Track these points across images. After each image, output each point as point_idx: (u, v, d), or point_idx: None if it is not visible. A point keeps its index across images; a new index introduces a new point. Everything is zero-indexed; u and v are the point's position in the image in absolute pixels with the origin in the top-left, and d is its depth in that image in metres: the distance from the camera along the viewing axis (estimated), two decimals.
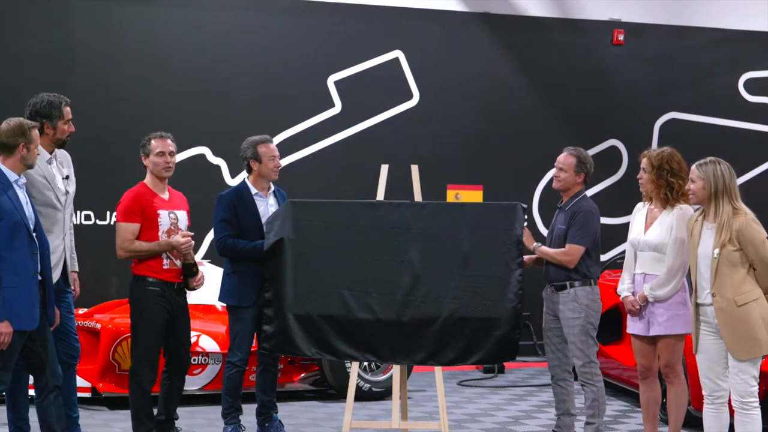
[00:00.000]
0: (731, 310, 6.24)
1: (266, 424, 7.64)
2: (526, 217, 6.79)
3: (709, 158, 6.46)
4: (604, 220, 7.56)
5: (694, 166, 6.48)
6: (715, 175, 6.36)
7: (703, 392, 6.49)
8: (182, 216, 7.24)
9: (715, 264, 6.28)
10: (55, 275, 6.68)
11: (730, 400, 6.42)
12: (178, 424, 7.41)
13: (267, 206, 7.53)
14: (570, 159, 7.39)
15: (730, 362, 6.30)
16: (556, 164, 7.47)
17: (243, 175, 7.87)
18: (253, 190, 7.53)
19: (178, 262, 7.14)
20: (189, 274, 7.18)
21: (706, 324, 6.40)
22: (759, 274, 6.26)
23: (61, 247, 6.82)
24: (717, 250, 6.27)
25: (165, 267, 7.09)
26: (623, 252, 11.14)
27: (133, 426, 7.16)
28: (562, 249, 7.31)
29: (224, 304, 7.82)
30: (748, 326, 6.20)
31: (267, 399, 7.65)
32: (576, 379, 7.45)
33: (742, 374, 6.25)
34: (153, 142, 7.18)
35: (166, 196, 7.19)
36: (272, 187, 7.66)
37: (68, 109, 6.93)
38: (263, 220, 7.36)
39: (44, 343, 6.24)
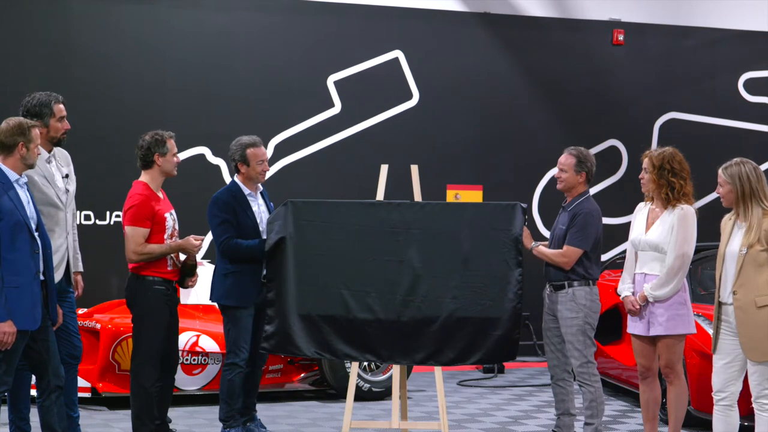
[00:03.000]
0: (750, 310, 6.19)
1: (248, 424, 7.63)
2: (526, 217, 6.79)
3: (734, 159, 6.38)
4: (603, 220, 7.55)
5: (720, 170, 6.41)
6: (740, 178, 6.30)
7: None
8: (175, 216, 7.25)
9: (740, 262, 6.24)
10: (58, 275, 6.67)
11: (740, 401, 6.38)
12: (177, 424, 7.40)
13: (258, 206, 7.54)
14: (570, 159, 7.40)
15: (748, 362, 6.27)
16: (557, 165, 7.48)
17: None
18: (246, 191, 7.52)
19: (178, 263, 7.14)
20: (189, 274, 7.19)
21: (727, 324, 6.35)
22: None
23: (64, 246, 6.81)
24: (744, 249, 6.23)
25: (169, 268, 7.08)
26: (623, 252, 11.13)
27: (134, 427, 7.10)
28: (560, 250, 7.31)
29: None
30: (767, 328, 6.17)
31: (250, 400, 7.65)
32: (575, 379, 7.45)
33: (758, 375, 6.21)
34: (170, 142, 7.11)
35: (161, 196, 7.18)
36: (260, 187, 7.66)
37: (61, 106, 6.89)
38: (257, 219, 7.42)
39: (46, 343, 6.23)
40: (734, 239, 6.33)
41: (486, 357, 6.78)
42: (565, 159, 7.42)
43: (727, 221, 6.46)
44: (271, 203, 7.79)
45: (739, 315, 6.23)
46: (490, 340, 6.67)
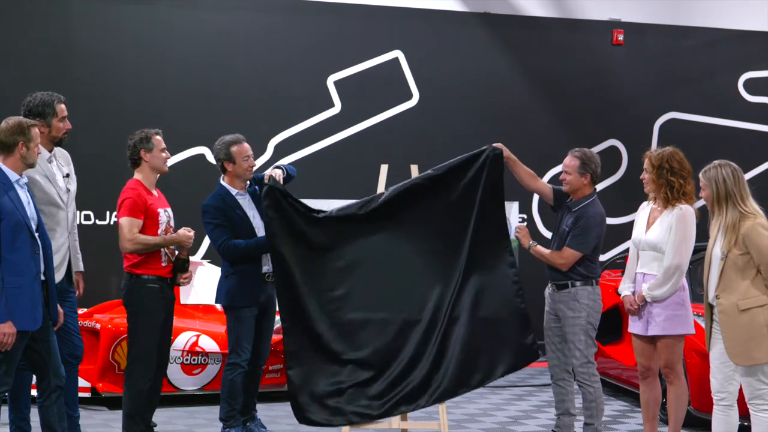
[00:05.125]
0: (733, 314, 6.16)
1: (248, 424, 7.63)
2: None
3: (714, 162, 6.36)
4: None
5: (700, 174, 6.41)
6: (717, 181, 6.27)
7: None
8: (171, 213, 7.25)
9: (721, 267, 6.22)
10: (60, 274, 6.67)
11: (740, 401, 6.37)
12: (177, 424, 7.38)
13: (249, 202, 7.53)
14: (574, 161, 7.35)
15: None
16: (562, 167, 7.46)
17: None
18: (233, 191, 7.51)
19: (173, 258, 7.14)
20: (181, 270, 7.16)
21: (717, 323, 6.35)
22: (766, 279, 6.16)
23: (66, 246, 6.81)
24: (724, 254, 6.21)
25: (164, 264, 7.09)
26: (623, 252, 11.10)
27: (125, 425, 7.07)
28: (558, 252, 7.29)
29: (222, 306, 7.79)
30: (750, 332, 6.13)
31: (250, 400, 7.65)
32: (575, 378, 7.44)
33: (747, 377, 6.19)
34: (156, 138, 7.15)
35: (156, 194, 7.19)
36: (248, 183, 7.65)
37: (62, 106, 6.90)
38: (250, 217, 7.44)
39: (47, 344, 6.22)
40: (717, 242, 6.32)
41: (510, 365, 6.92)
42: (569, 161, 7.38)
43: (714, 223, 6.45)
44: (260, 174, 7.80)
45: (722, 319, 6.20)
46: (508, 348, 6.84)
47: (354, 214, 6.91)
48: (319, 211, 6.94)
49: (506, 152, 7.04)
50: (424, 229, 6.92)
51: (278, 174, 7.49)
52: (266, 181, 7.38)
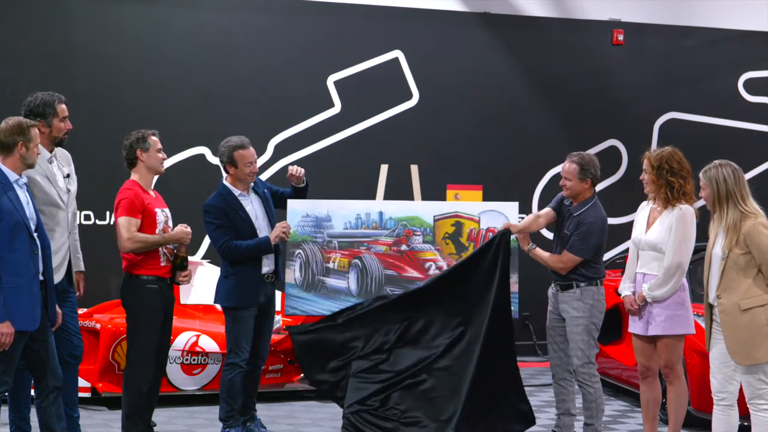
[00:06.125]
0: (734, 313, 6.15)
1: (248, 424, 7.63)
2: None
3: (714, 162, 6.35)
4: None
5: (700, 174, 6.41)
6: (717, 181, 6.26)
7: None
8: (169, 214, 7.25)
9: (722, 266, 6.22)
10: (60, 275, 6.66)
11: (740, 401, 6.37)
12: (177, 424, 7.37)
13: (252, 203, 7.52)
14: (572, 167, 7.32)
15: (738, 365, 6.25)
16: (562, 172, 7.43)
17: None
18: (236, 192, 7.50)
19: (171, 258, 7.13)
20: (180, 268, 7.15)
21: (718, 324, 6.33)
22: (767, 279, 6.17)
23: (66, 246, 6.80)
24: (725, 253, 6.21)
25: (162, 263, 7.08)
26: (623, 252, 11.10)
27: (125, 426, 7.06)
28: (558, 256, 7.29)
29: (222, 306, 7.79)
30: (751, 331, 6.12)
31: (250, 400, 7.65)
32: (576, 378, 7.44)
33: (748, 378, 6.19)
34: (152, 138, 7.14)
35: (152, 194, 7.19)
36: (252, 184, 7.63)
37: (63, 106, 6.91)
38: (252, 218, 7.42)
39: (45, 344, 6.22)
40: (717, 242, 6.31)
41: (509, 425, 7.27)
42: (568, 167, 7.34)
43: (713, 223, 6.45)
44: (276, 187, 7.82)
45: (723, 319, 6.19)
46: (505, 416, 7.23)
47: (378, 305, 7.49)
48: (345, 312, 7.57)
49: (514, 228, 7.32)
50: (451, 310, 7.33)
51: (301, 171, 7.64)
52: (292, 173, 7.58)
